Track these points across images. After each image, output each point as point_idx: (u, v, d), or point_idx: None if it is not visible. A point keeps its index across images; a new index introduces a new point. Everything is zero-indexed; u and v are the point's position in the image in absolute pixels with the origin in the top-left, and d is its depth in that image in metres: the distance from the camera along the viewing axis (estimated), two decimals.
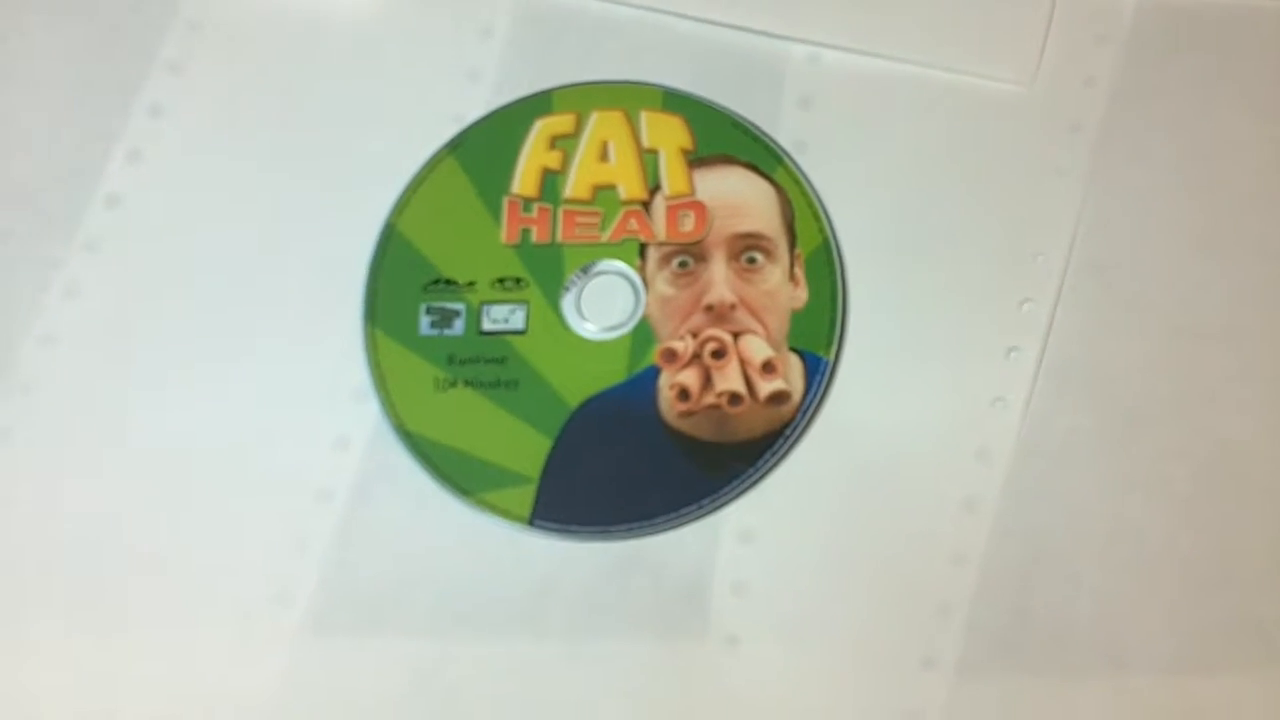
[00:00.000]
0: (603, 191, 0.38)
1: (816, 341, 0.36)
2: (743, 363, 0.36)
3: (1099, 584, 0.34)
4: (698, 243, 0.37)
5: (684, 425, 0.35)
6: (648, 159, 0.38)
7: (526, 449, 0.35)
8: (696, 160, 0.38)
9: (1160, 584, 0.34)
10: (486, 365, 0.36)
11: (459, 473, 0.35)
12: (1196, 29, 0.39)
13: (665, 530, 0.35)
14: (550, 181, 0.38)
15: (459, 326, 0.36)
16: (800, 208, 0.37)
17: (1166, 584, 0.34)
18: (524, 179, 0.38)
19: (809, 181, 0.38)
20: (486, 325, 0.37)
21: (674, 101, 0.39)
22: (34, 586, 0.35)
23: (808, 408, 0.35)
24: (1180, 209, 0.37)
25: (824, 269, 0.37)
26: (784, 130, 0.38)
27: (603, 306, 0.37)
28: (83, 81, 0.40)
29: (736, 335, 0.36)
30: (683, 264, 0.37)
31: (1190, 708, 0.33)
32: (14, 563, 0.35)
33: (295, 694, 0.33)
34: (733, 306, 0.36)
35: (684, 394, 0.35)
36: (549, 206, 0.38)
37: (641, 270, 0.37)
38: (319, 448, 0.36)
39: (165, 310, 0.37)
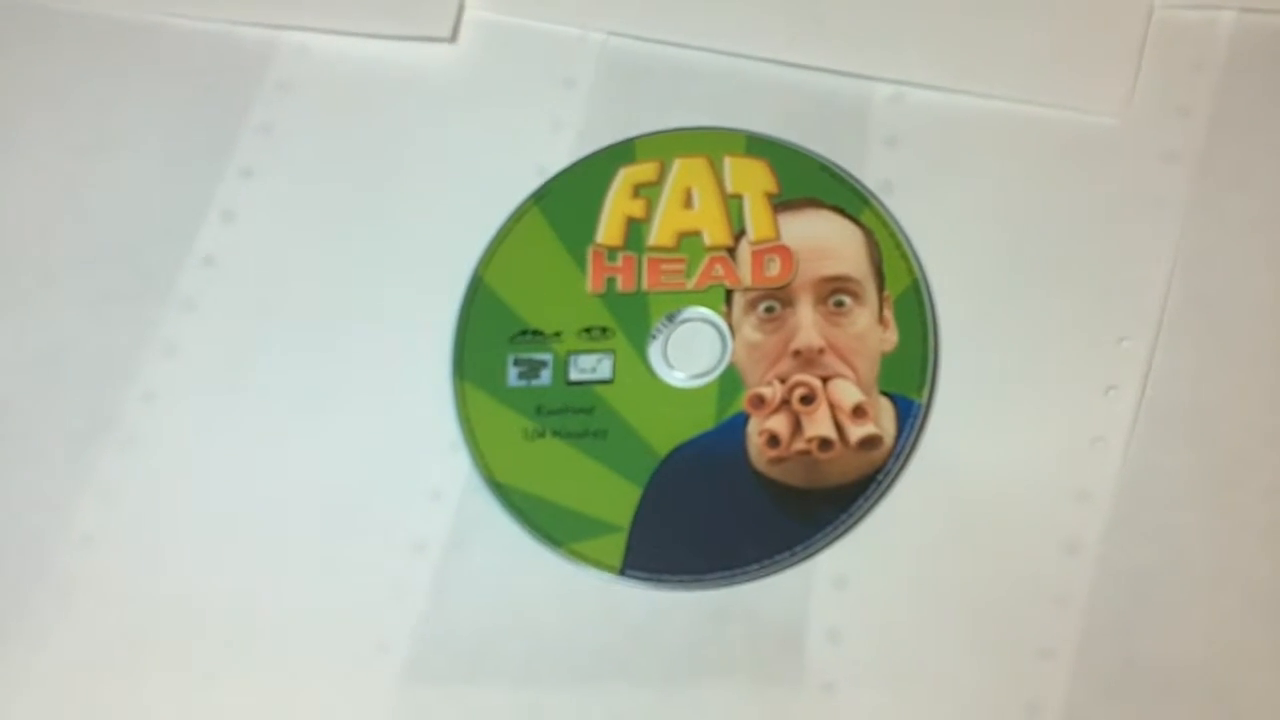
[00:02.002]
0: (687, 238, 0.40)
1: (908, 384, 0.38)
2: (833, 408, 0.38)
3: (1207, 627, 0.35)
4: (784, 287, 0.39)
5: (774, 472, 0.37)
6: (732, 204, 0.40)
7: (616, 498, 0.37)
8: (781, 204, 0.40)
9: (1271, 627, 0.35)
10: (574, 415, 0.38)
11: (549, 523, 0.37)
12: None
13: (758, 578, 0.36)
14: (634, 230, 0.40)
15: (546, 377, 0.39)
16: (888, 249, 0.39)
17: (1277, 627, 0.35)
18: (608, 228, 0.40)
19: (896, 222, 0.39)
20: (574, 375, 0.39)
21: (757, 146, 0.41)
22: (137, 639, 0.37)
23: (900, 452, 0.37)
24: None
25: (914, 310, 0.38)
26: (870, 171, 0.40)
27: (689, 354, 0.39)
28: (177, 145, 0.43)
29: (826, 380, 0.38)
30: (769, 309, 0.39)
31: None
32: (120, 615, 0.38)
33: None
34: (821, 351, 0.38)
35: (774, 440, 0.37)
36: (634, 255, 0.40)
37: (728, 316, 0.39)
38: (413, 500, 0.38)
39: (260, 366, 0.40)
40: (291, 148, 0.43)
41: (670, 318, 0.39)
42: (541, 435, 0.38)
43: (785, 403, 0.38)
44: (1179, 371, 0.37)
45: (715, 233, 0.40)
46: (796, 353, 0.38)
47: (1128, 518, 0.36)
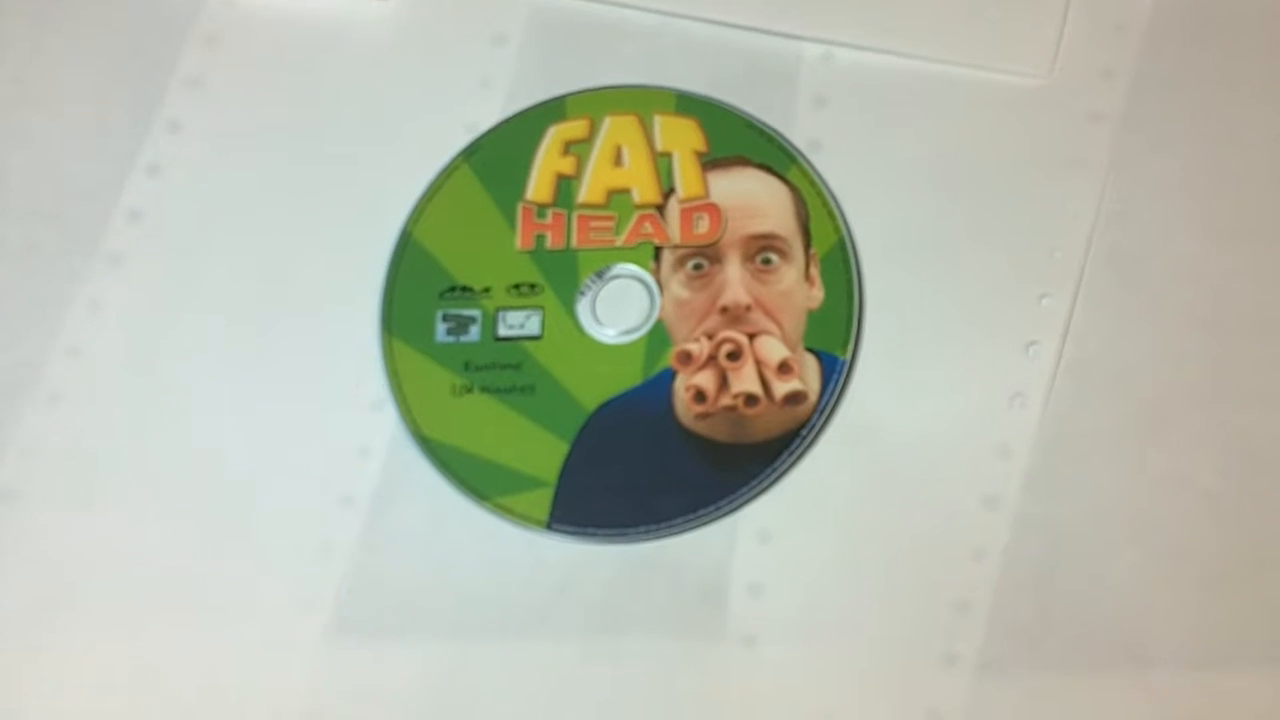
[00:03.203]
0: (617, 196, 0.41)
1: (833, 341, 0.39)
2: (759, 364, 0.38)
3: (1122, 580, 0.36)
4: (712, 245, 0.40)
5: (700, 427, 0.38)
6: (661, 162, 0.41)
7: (543, 453, 0.38)
8: (710, 162, 0.41)
9: (1184, 579, 0.36)
10: (503, 371, 0.39)
11: (476, 478, 0.38)
12: (1218, 16, 0.41)
13: (682, 532, 0.37)
14: (564, 187, 0.41)
15: (475, 333, 0.39)
16: (815, 207, 0.40)
17: (1190, 579, 0.36)
18: (538, 185, 0.41)
19: (824, 181, 0.40)
20: (502, 331, 0.39)
21: (687, 104, 0.41)
22: (62, 594, 0.38)
23: (824, 407, 0.38)
24: (1203, 200, 0.39)
25: (840, 268, 0.39)
26: (798, 130, 0.41)
27: (618, 310, 0.39)
28: (103, 97, 0.43)
29: (752, 336, 0.39)
30: (697, 266, 0.40)
31: (1215, 704, 0.35)
32: (43, 570, 0.38)
33: (320, 697, 0.36)
34: (748, 308, 0.39)
35: (700, 396, 0.38)
36: (563, 212, 0.41)
37: (656, 273, 0.40)
38: (341, 455, 0.39)
39: (186, 322, 0.41)
40: (220, 102, 0.43)
41: (599, 274, 0.40)
42: (469, 391, 0.39)
43: (712, 359, 0.38)
44: (1098, 329, 0.38)
45: (645, 190, 0.40)
46: (724, 309, 0.39)
47: (1046, 473, 0.37)
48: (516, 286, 0.40)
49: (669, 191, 0.40)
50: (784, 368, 0.38)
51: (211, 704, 0.37)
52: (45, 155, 0.43)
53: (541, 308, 0.40)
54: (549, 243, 0.40)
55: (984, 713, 0.35)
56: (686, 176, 0.40)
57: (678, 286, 0.39)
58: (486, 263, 0.40)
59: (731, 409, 0.38)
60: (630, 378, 0.39)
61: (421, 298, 0.40)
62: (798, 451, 0.38)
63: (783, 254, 0.39)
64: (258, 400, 0.40)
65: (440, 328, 0.40)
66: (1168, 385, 0.38)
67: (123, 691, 0.37)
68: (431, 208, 0.41)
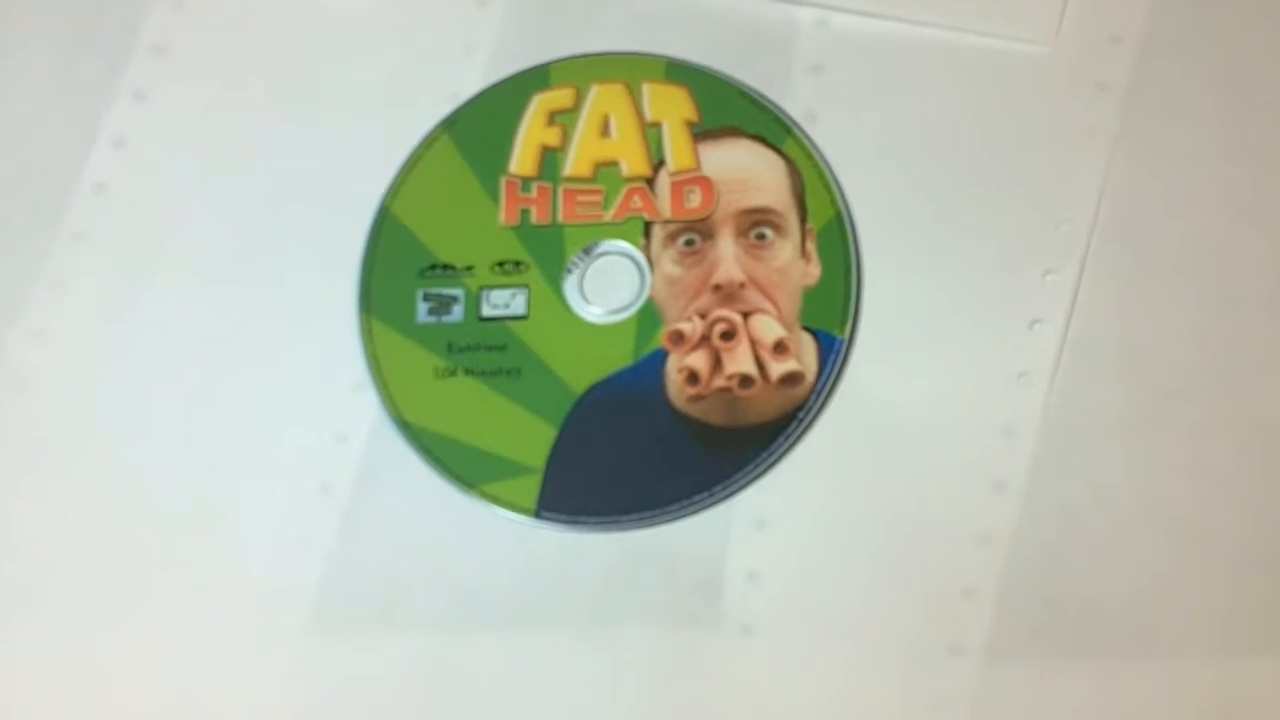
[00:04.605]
0: (604, 168, 0.39)
1: (830, 319, 0.37)
2: (753, 343, 0.37)
3: (1132, 565, 0.35)
4: (704, 219, 0.38)
5: (694, 409, 0.37)
6: (651, 133, 0.39)
7: (530, 438, 0.37)
8: (702, 133, 0.39)
9: (1196, 564, 0.35)
10: (487, 352, 0.38)
11: (461, 464, 0.37)
12: None
13: (676, 519, 0.36)
14: (549, 159, 0.39)
15: (458, 313, 0.38)
16: (811, 180, 0.39)
17: (1203, 564, 0.35)
18: (522, 157, 0.39)
19: (820, 153, 0.39)
20: (486, 311, 0.38)
21: (677, 72, 0.40)
22: (34, 584, 0.37)
23: (822, 388, 0.37)
24: (1214, 170, 0.38)
25: (837, 243, 0.38)
26: (793, 100, 0.40)
27: (607, 288, 0.38)
28: (65, 67, 0.42)
29: (746, 315, 0.37)
30: (689, 242, 0.38)
31: (1229, 692, 0.34)
32: (13, 560, 0.37)
33: (300, 691, 0.35)
34: (742, 285, 0.38)
35: (693, 377, 0.37)
36: (548, 185, 0.39)
37: (646, 250, 0.38)
38: (318, 441, 0.37)
39: (156, 301, 0.39)
40: (188, 69, 0.42)
41: (587, 251, 0.39)
42: (453, 373, 0.38)
43: (705, 339, 0.37)
44: (1105, 305, 0.37)
45: (633, 163, 0.39)
46: (717, 287, 0.38)
47: (1052, 454, 0.36)
48: (500, 264, 0.38)
49: (659, 164, 0.39)
50: (780, 347, 0.37)
51: (188, 697, 0.35)
52: (4, 128, 0.41)
53: (527, 286, 0.38)
54: (534, 218, 0.39)
55: (991, 703, 0.34)
56: (677, 148, 0.39)
57: (669, 263, 0.38)
58: (469, 239, 0.39)
59: (726, 391, 0.37)
60: (620, 359, 0.37)
61: (401, 276, 0.39)
62: (795, 434, 0.36)
63: (778, 229, 0.38)
64: (230, 384, 0.38)
65: (421, 308, 0.38)
66: (1178, 363, 0.37)
67: (93, 687, 0.36)
68: (410, 181, 0.39)
